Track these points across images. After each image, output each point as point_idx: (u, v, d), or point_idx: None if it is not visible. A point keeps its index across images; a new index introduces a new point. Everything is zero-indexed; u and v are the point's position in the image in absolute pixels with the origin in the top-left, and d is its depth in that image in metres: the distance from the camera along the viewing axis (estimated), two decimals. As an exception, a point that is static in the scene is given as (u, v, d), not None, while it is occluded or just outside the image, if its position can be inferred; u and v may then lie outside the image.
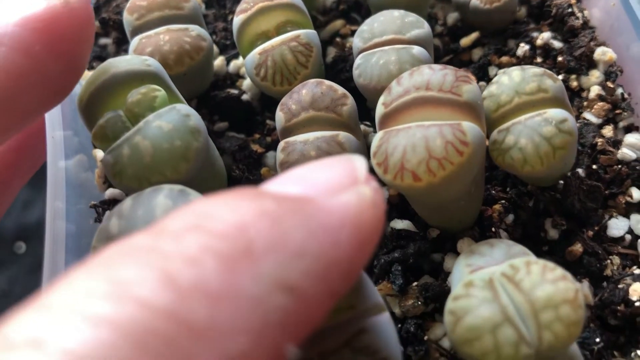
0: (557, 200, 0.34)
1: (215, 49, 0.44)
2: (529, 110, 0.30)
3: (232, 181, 0.37)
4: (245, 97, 0.41)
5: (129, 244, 0.16)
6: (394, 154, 0.28)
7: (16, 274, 0.58)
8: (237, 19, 0.37)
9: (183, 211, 0.17)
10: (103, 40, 0.46)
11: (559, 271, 0.24)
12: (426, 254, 0.33)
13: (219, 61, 0.43)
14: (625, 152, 0.35)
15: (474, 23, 0.42)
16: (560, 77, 0.38)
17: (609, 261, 0.33)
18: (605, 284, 0.32)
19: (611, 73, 0.38)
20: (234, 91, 0.41)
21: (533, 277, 0.24)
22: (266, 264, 0.16)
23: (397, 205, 0.35)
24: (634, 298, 0.30)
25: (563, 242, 0.33)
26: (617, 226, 0.34)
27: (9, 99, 0.26)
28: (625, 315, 0.30)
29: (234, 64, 0.43)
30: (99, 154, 0.38)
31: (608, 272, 0.32)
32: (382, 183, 0.28)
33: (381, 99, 0.30)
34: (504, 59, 0.40)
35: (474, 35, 0.41)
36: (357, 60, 0.35)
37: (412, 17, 0.36)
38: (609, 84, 0.38)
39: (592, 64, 0.39)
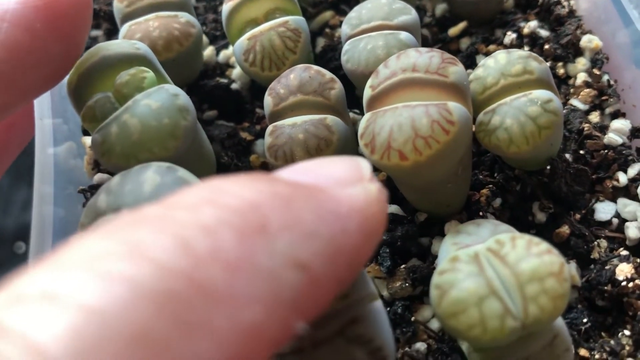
0: (544, 184, 0.34)
1: (205, 39, 0.44)
2: (514, 91, 0.31)
3: (221, 167, 0.37)
4: (234, 86, 0.41)
5: (141, 213, 0.16)
6: (381, 133, 0.28)
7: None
8: (226, 6, 0.37)
9: (196, 187, 0.17)
10: (93, 33, 0.46)
11: (544, 245, 0.25)
12: (414, 237, 0.33)
13: (208, 51, 0.43)
14: (611, 137, 0.36)
15: (461, 13, 0.43)
16: (547, 64, 0.39)
17: (596, 244, 0.33)
18: (592, 266, 0.32)
19: (597, 60, 0.39)
20: (224, 80, 0.41)
21: (518, 250, 0.24)
22: (280, 241, 0.16)
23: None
24: (621, 278, 0.31)
25: (550, 224, 0.34)
26: (604, 210, 0.34)
27: (10, 75, 0.26)
28: (612, 296, 0.31)
29: (224, 53, 0.43)
30: (88, 141, 0.38)
31: (595, 254, 0.33)
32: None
33: (369, 82, 0.30)
34: (492, 47, 0.40)
35: (462, 25, 0.42)
36: (345, 47, 0.36)
37: (399, 3, 0.36)
38: (595, 71, 0.38)
39: (579, 52, 0.39)
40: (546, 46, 0.39)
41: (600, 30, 0.39)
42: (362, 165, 0.20)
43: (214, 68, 0.43)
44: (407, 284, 0.32)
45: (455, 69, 0.29)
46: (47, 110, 0.37)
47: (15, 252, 0.58)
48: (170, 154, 0.28)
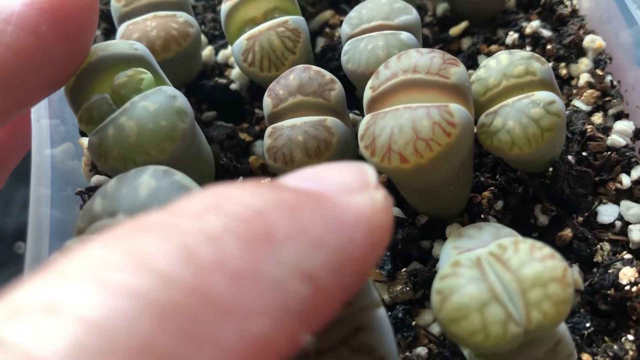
0: (546, 186, 0.34)
1: (204, 39, 0.44)
2: (516, 93, 0.30)
3: (220, 169, 0.36)
4: (233, 86, 0.41)
5: (145, 220, 0.15)
6: (381, 135, 0.28)
7: (16, 274, 0.57)
8: (225, 6, 0.37)
9: (200, 194, 0.17)
10: (91, 32, 0.46)
11: (547, 250, 0.24)
12: (415, 240, 0.33)
13: (207, 51, 0.43)
14: (614, 139, 0.35)
15: (463, 13, 0.42)
16: (550, 65, 0.38)
17: (599, 247, 0.33)
18: (595, 269, 0.32)
19: (600, 61, 0.38)
20: (223, 80, 0.41)
21: (521, 255, 0.24)
22: (287, 251, 0.15)
23: (386, 191, 0.35)
24: (624, 282, 0.30)
25: (553, 227, 0.33)
26: (607, 212, 0.34)
27: (16, 78, 0.26)
28: (615, 300, 0.30)
29: (223, 53, 0.43)
30: (86, 142, 0.37)
31: (598, 258, 0.32)
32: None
33: (369, 83, 0.30)
34: (493, 47, 0.40)
35: (463, 25, 0.41)
36: (345, 47, 0.35)
37: (400, 3, 0.36)
38: (598, 72, 0.38)
39: (581, 52, 0.39)
40: (548, 46, 0.39)
41: (603, 30, 0.39)
42: (368, 172, 0.20)
43: (213, 68, 0.43)
44: (408, 288, 0.31)
45: (457, 70, 0.29)
46: (44, 111, 0.36)
47: (15, 252, 0.58)
48: (168, 157, 0.27)
